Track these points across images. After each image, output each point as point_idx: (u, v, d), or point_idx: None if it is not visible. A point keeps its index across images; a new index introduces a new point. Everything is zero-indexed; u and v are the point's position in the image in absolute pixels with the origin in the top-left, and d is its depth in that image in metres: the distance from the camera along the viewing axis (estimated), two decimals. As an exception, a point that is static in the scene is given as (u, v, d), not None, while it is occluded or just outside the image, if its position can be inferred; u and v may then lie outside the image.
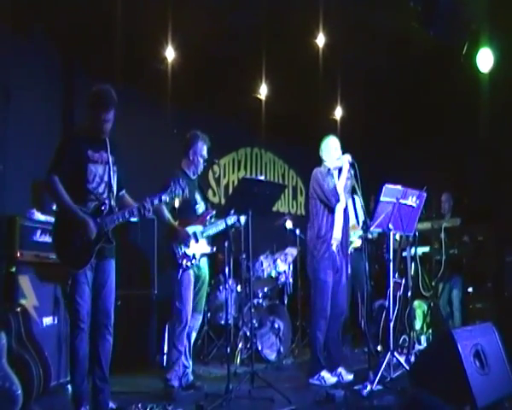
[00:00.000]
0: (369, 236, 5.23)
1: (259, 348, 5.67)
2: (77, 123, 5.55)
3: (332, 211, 4.87)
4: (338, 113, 8.06)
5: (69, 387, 4.02)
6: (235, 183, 7.68)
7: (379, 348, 5.70)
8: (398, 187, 4.69)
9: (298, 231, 6.39)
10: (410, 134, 8.21)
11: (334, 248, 4.88)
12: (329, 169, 4.97)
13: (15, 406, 3.40)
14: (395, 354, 4.58)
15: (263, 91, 7.24)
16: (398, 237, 5.67)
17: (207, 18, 5.65)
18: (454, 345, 3.59)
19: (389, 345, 4.59)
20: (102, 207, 3.63)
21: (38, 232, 4.24)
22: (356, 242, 5.88)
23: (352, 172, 4.79)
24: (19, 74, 5.08)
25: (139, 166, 5.60)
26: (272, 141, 8.10)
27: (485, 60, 5.89)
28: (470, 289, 6.76)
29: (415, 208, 4.85)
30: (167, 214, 4.41)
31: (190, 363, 4.60)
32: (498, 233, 6.69)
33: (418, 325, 6.38)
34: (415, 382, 3.99)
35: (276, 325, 5.91)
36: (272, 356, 5.79)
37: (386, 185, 4.63)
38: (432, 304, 6.32)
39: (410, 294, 5.52)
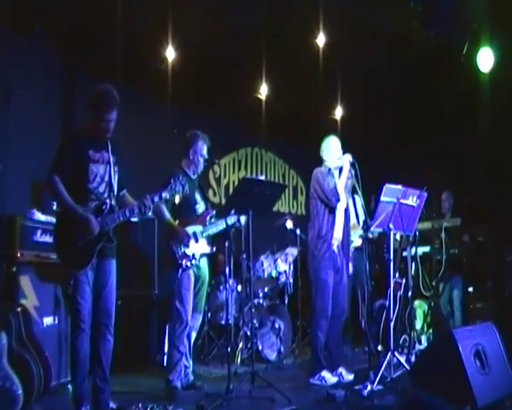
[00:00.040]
0: (370, 235, 5.23)
1: (260, 348, 5.67)
2: (77, 123, 5.55)
3: (333, 211, 4.87)
4: (338, 112, 8.07)
5: (70, 387, 4.03)
6: (236, 183, 7.68)
7: (379, 347, 5.70)
8: (399, 187, 4.69)
9: (298, 231, 6.39)
10: (410, 134, 8.21)
11: (334, 248, 4.88)
12: (330, 169, 4.97)
13: (16, 406, 3.40)
14: (395, 353, 4.57)
15: (263, 91, 7.25)
16: (398, 236, 5.68)
17: (207, 18, 5.65)
18: (454, 345, 3.59)
19: (389, 345, 4.58)
20: (103, 207, 3.63)
21: (39, 232, 4.24)
22: (356, 241, 5.88)
23: (353, 171, 4.79)
24: (19, 74, 5.08)
25: (139, 166, 5.60)
26: (273, 141, 8.11)
27: (485, 59, 5.89)
28: (470, 289, 6.76)
29: (415, 208, 4.85)
30: (167, 214, 4.41)
31: (191, 363, 4.60)
32: (498, 233, 6.70)
33: (419, 324, 6.37)
34: (415, 382, 3.99)
35: (277, 325, 5.91)
36: (273, 356, 5.79)
37: (387, 185, 4.63)
38: (432, 304, 6.31)
39: (410, 294, 5.51)
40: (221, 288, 5.99)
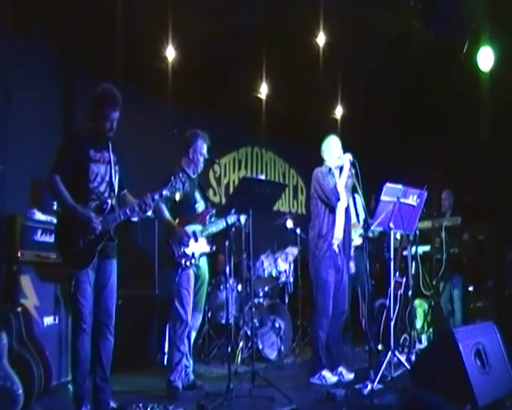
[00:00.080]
0: (370, 234, 5.24)
1: (260, 348, 5.67)
2: (77, 123, 5.55)
3: (333, 210, 4.87)
4: (338, 112, 8.06)
5: (70, 386, 4.02)
6: (236, 182, 7.68)
7: (380, 347, 5.71)
8: (399, 186, 4.69)
9: (298, 231, 6.40)
10: (410, 133, 8.21)
11: (335, 247, 4.88)
12: (330, 168, 4.97)
13: (16, 405, 3.41)
14: (396, 353, 4.59)
15: (263, 91, 7.24)
16: (398, 235, 5.68)
17: (207, 18, 5.65)
18: (455, 344, 3.59)
19: (390, 344, 4.59)
20: (104, 207, 3.63)
21: (39, 232, 4.24)
22: (356, 240, 5.88)
23: (353, 171, 4.79)
24: (19, 74, 5.07)
25: (139, 166, 5.59)
26: (273, 140, 8.10)
27: (485, 59, 5.88)
28: (471, 288, 6.76)
29: (415, 207, 4.85)
30: (167, 214, 4.41)
31: (191, 362, 4.60)
32: (499, 232, 6.70)
33: (419, 323, 6.38)
34: (415, 381, 3.99)
35: (277, 325, 5.91)
36: (273, 355, 5.80)
37: (387, 184, 4.63)
38: (433, 303, 6.32)
39: (410, 293, 5.51)
40: (221, 287, 5.99)
